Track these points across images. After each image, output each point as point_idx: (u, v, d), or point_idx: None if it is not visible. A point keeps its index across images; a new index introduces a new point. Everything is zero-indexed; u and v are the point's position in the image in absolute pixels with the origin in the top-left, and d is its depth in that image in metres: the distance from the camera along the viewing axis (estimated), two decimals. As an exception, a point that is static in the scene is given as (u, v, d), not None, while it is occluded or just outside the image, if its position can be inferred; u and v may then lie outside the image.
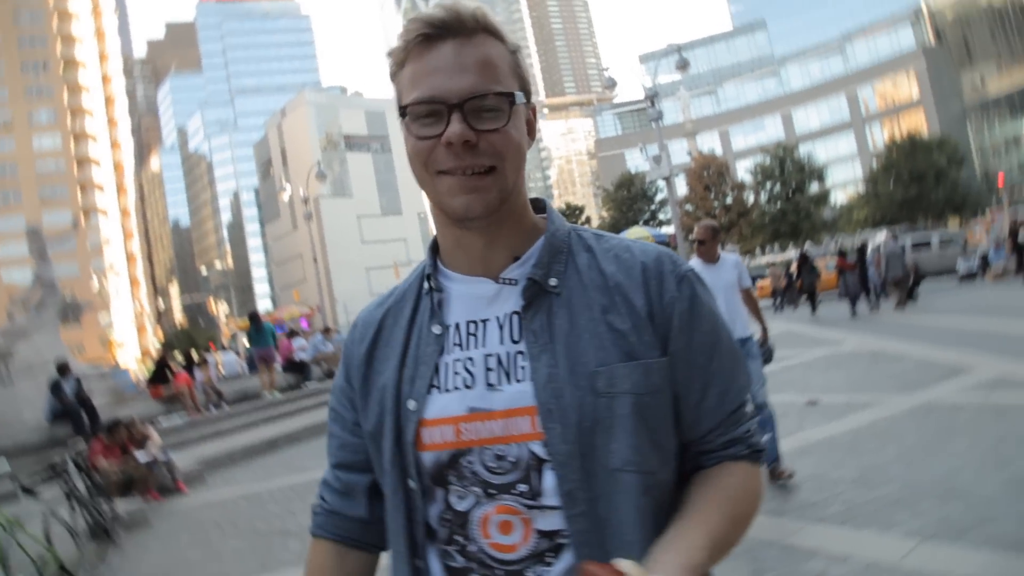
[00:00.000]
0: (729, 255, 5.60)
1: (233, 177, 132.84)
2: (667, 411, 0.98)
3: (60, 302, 15.96)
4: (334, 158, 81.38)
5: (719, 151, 73.17)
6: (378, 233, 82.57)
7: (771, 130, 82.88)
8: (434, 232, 1.08)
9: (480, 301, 1.02)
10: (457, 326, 1.02)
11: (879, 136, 77.30)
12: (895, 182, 58.51)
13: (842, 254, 19.37)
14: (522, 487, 0.94)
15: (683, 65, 23.26)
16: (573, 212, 71.74)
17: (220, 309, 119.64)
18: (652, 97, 22.74)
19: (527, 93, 1.01)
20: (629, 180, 66.30)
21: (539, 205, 1.10)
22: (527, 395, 0.94)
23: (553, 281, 1.00)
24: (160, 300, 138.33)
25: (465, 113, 0.92)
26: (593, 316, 0.97)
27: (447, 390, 0.98)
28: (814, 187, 60.32)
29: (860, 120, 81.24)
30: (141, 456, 8.48)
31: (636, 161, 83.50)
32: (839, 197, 69.35)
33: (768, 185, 60.32)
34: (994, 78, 76.72)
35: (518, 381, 0.96)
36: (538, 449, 0.93)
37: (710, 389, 1.01)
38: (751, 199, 60.83)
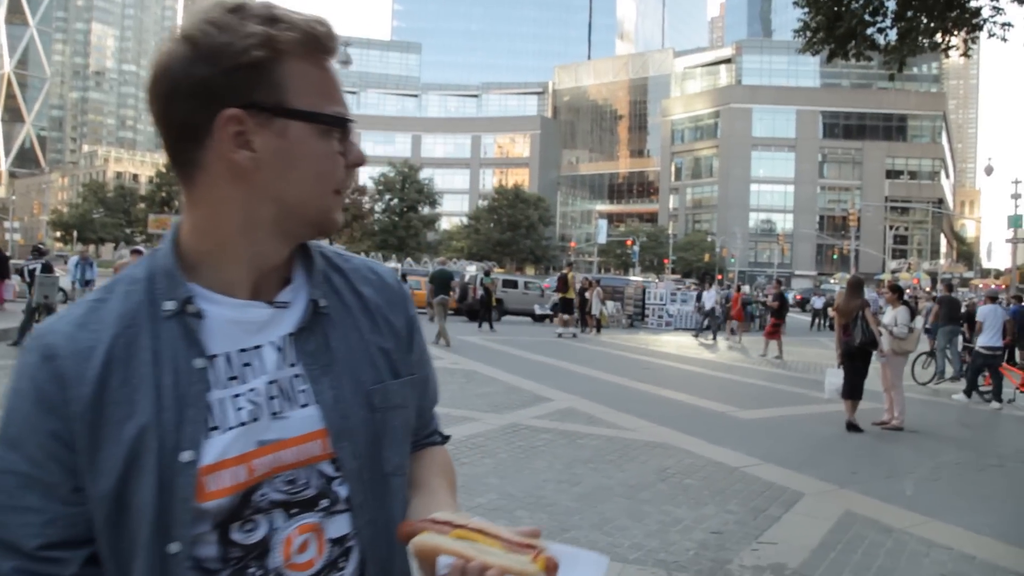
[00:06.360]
0: None
1: None
2: (415, 415, 1.08)
3: None
4: None
5: (349, 151, 73.94)
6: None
7: (400, 146, 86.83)
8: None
9: (251, 327, 0.93)
10: (228, 357, 0.91)
11: (490, 180, 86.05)
12: (495, 224, 65.61)
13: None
14: (324, 502, 0.93)
15: (345, 60, 23.16)
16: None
17: None
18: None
19: None
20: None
21: None
22: (315, 419, 0.93)
23: (323, 302, 0.98)
24: None
25: None
26: (362, 336, 1.00)
27: (229, 428, 0.88)
28: (426, 210, 64.54)
29: (478, 162, 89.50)
30: None
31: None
32: (444, 224, 75.06)
33: (387, 197, 62.84)
34: (585, 162, 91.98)
35: (302, 406, 0.93)
36: (326, 467, 0.93)
37: (427, 389, 1.14)
38: (368, 206, 62.61)
